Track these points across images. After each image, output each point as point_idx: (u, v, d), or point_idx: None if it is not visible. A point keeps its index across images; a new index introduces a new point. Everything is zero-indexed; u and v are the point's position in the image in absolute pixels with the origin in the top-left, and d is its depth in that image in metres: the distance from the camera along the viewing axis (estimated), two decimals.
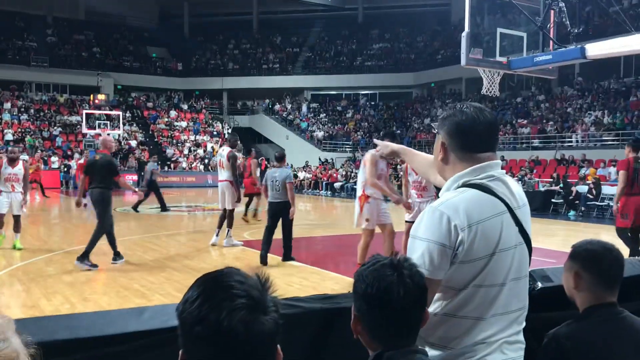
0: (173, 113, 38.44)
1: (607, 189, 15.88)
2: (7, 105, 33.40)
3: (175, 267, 7.93)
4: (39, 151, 29.88)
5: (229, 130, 34.95)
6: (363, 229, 6.67)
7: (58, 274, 7.33)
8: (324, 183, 27.78)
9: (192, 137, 36.56)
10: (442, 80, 36.07)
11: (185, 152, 34.67)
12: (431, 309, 1.61)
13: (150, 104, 39.03)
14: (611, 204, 12.18)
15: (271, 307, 0.98)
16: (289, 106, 40.05)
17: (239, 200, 9.90)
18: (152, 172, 15.75)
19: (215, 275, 1.01)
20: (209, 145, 35.49)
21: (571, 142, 23.91)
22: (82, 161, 22.19)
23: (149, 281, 6.96)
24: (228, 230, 9.68)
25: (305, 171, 30.08)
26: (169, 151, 33.94)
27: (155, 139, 35.41)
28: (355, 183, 23.47)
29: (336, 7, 42.42)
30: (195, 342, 0.95)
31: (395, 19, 41.36)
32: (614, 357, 1.70)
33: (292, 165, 24.16)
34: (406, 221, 7.11)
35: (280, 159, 8.63)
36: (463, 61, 8.03)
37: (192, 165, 33.16)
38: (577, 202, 16.47)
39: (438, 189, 1.91)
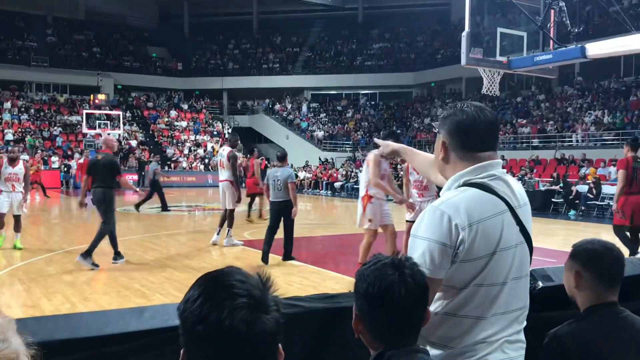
0: (173, 113, 38.46)
1: (607, 189, 15.87)
2: (7, 105, 33.42)
3: (175, 266, 7.93)
4: (39, 151, 29.88)
5: (229, 130, 34.98)
6: (366, 229, 6.68)
7: (58, 273, 7.34)
8: (324, 183, 27.78)
9: (192, 137, 36.57)
10: (442, 79, 36.05)
11: (186, 152, 34.69)
12: (432, 308, 1.61)
13: (150, 104, 39.05)
14: (611, 203, 12.16)
15: (272, 306, 0.98)
16: (289, 106, 40.05)
17: (239, 200, 9.91)
18: (155, 172, 15.74)
19: (216, 275, 1.01)
20: (209, 145, 35.50)
21: (571, 141, 23.90)
22: (82, 161, 22.21)
23: (149, 281, 6.96)
24: (228, 230, 9.69)
25: (305, 171, 30.07)
26: (169, 151, 33.95)
27: (156, 139, 35.42)
28: (355, 183, 23.60)
29: (336, 7, 42.41)
30: (197, 341, 0.94)
31: (395, 19, 41.35)
32: (614, 356, 1.70)
33: (292, 165, 24.15)
34: (407, 220, 7.11)
35: (282, 158, 8.63)
36: (463, 61, 8.03)
37: (193, 165, 33.18)
38: (577, 201, 16.47)
39: (439, 188, 1.91)
